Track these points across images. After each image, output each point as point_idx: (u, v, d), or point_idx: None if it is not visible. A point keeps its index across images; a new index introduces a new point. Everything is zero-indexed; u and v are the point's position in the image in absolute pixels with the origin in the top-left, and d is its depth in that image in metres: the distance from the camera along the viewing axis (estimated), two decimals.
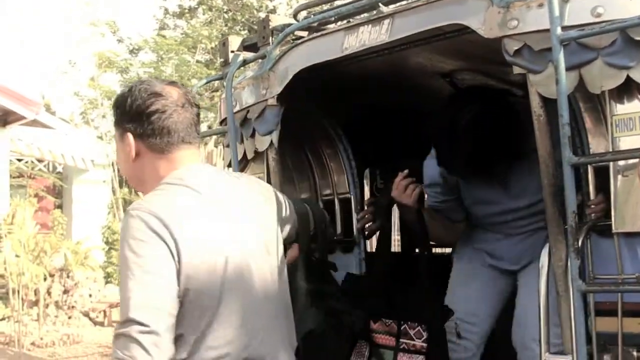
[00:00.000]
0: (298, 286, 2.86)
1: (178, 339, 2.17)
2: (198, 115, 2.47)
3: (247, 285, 2.31)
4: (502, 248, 3.49)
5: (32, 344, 11.21)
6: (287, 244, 2.66)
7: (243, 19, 18.61)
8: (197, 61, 18.96)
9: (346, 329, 3.21)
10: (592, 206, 2.61)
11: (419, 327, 3.26)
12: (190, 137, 2.41)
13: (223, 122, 3.81)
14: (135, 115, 2.33)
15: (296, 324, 2.53)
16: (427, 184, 3.51)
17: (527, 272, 3.34)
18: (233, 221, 2.34)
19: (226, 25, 18.92)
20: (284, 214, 2.64)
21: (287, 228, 2.68)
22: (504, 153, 3.26)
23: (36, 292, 12.07)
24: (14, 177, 17.30)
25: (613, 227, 2.50)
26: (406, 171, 3.37)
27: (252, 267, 2.33)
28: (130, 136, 2.35)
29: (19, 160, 17.91)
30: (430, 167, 3.44)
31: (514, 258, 3.45)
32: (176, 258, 2.15)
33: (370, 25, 3.01)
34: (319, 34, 3.25)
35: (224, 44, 3.71)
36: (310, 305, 2.96)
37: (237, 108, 3.56)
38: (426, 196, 3.55)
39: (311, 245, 2.95)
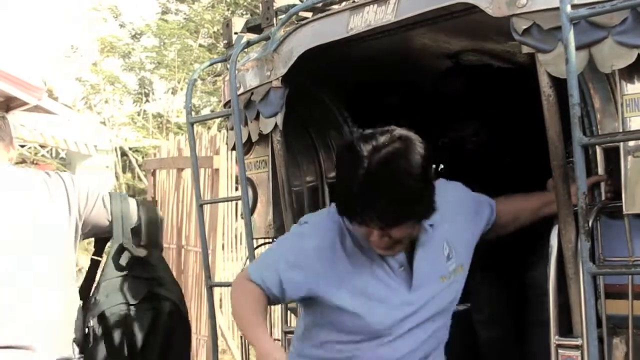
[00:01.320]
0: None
1: None
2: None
3: None
4: None
5: None
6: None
7: (245, 3, 18.54)
8: (200, 45, 18.89)
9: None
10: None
11: None
12: None
13: (227, 104, 3.78)
14: None
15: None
16: None
17: None
18: None
19: (228, 9, 18.84)
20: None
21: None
22: None
23: None
24: (17, 163, 17.29)
25: (624, 209, 2.46)
26: None
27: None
28: None
29: (22, 146, 17.90)
30: None
31: None
32: None
33: (375, 5, 2.97)
34: (323, 14, 3.21)
35: (228, 25, 3.68)
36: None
37: (241, 90, 3.53)
38: None
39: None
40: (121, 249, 3.09)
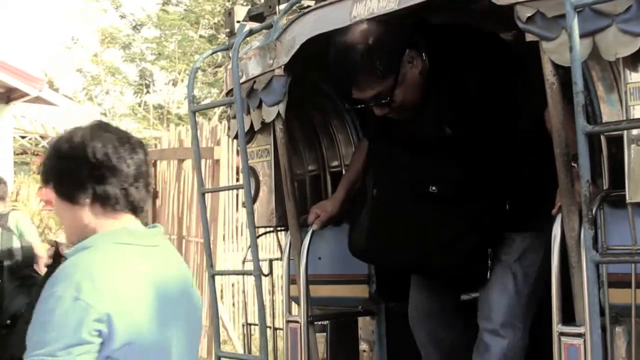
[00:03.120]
0: None
1: None
2: None
3: None
4: None
5: None
6: None
7: None
8: (200, 36, 18.89)
9: None
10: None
11: None
12: None
13: (229, 93, 3.77)
14: None
15: None
16: None
17: None
18: None
19: (229, 0, 18.83)
20: None
21: None
22: None
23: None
24: (17, 154, 17.29)
25: (627, 197, 2.46)
26: None
27: None
28: None
29: (23, 137, 17.89)
30: None
31: None
32: None
33: None
34: (326, 2, 3.21)
35: (230, 14, 3.67)
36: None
37: (244, 79, 3.52)
38: None
39: None
40: None
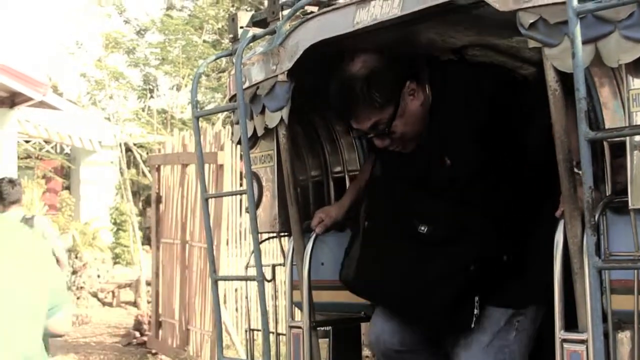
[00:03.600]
0: None
1: None
2: None
3: None
4: None
5: None
6: None
7: None
8: (204, 41, 18.91)
9: None
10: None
11: None
12: None
13: (232, 99, 3.77)
14: None
15: None
16: None
17: None
18: None
19: (233, 5, 18.85)
20: None
21: None
22: None
23: None
24: (21, 159, 17.33)
25: (630, 204, 2.46)
26: None
27: None
28: None
29: (27, 141, 17.94)
30: None
31: None
32: None
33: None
34: (329, 8, 3.21)
35: (233, 19, 3.67)
36: None
37: (247, 84, 3.52)
38: None
39: None
40: None
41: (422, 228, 3.14)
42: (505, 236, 3.11)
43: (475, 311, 3.13)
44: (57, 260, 4.43)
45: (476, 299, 3.12)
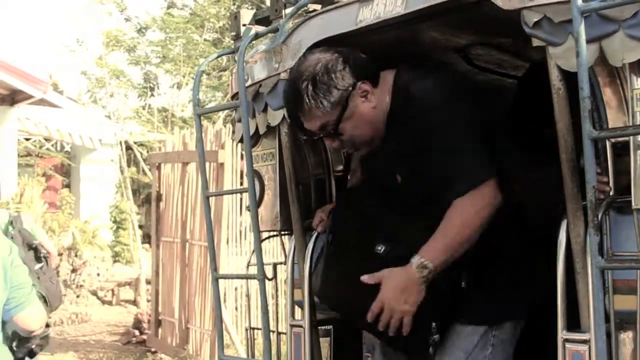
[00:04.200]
0: None
1: None
2: None
3: None
4: None
5: None
6: None
7: None
8: (205, 40, 18.91)
9: None
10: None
11: None
12: None
13: (234, 97, 3.77)
14: None
15: None
16: None
17: None
18: None
19: (234, 3, 18.85)
20: None
21: None
22: None
23: None
24: (22, 156, 17.33)
25: (633, 203, 2.45)
26: None
27: None
28: None
29: (27, 139, 17.94)
30: None
31: None
32: None
33: None
34: (332, 6, 3.21)
35: (236, 17, 3.68)
36: None
37: (249, 82, 3.52)
38: None
39: None
40: None
41: (379, 248, 2.98)
42: (463, 258, 2.91)
43: (434, 337, 2.96)
44: (48, 253, 4.49)
45: (433, 324, 2.95)
